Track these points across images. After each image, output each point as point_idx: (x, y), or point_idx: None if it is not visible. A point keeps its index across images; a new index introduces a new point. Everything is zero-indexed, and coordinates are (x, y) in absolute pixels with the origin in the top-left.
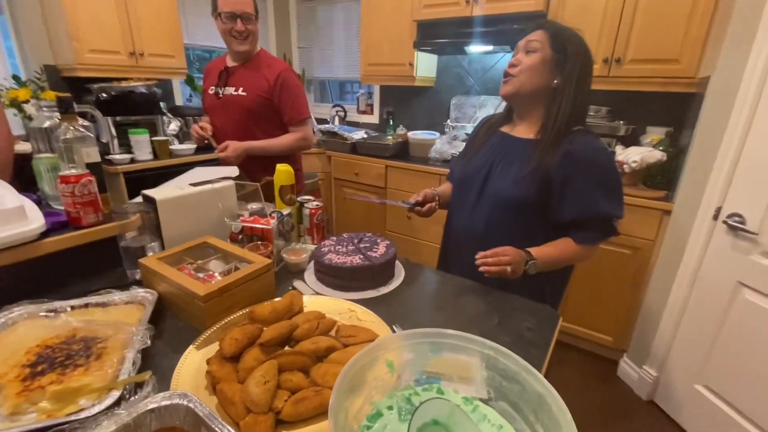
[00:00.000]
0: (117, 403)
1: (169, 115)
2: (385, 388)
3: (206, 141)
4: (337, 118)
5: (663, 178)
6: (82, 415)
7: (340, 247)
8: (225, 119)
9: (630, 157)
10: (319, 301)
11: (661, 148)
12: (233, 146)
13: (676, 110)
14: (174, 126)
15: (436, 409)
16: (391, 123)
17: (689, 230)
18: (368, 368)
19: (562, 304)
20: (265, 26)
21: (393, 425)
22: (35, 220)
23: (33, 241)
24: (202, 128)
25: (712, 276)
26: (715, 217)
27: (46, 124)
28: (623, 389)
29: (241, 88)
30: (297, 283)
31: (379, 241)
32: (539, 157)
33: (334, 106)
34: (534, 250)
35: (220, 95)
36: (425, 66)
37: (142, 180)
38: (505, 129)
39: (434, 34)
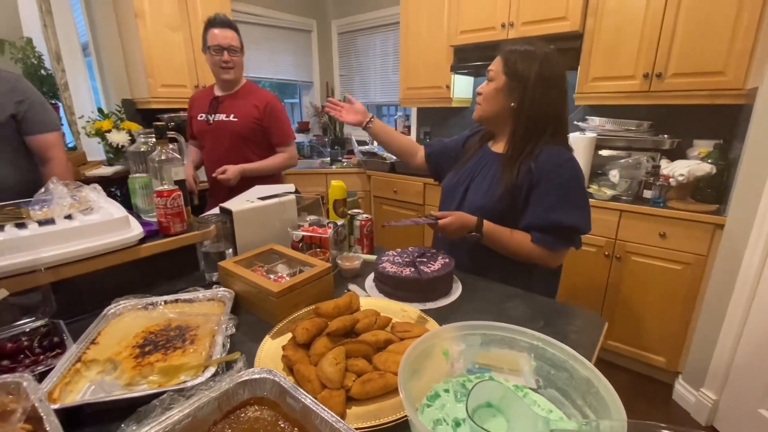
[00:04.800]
0: (213, 378)
1: None
2: (441, 374)
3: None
4: None
5: (713, 191)
6: (189, 383)
7: (399, 258)
8: (215, 142)
9: (676, 170)
10: (374, 301)
11: (709, 160)
12: (231, 169)
13: (724, 122)
14: None
15: (490, 392)
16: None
17: (745, 244)
18: (426, 355)
19: (609, 322)
20: (310, 57)
21: (450, 405)
22: (136, 228)
23: (134, 245)
24: (189, 182)
25: None
26: None
27: (142, 148)
28: (680, 413)
29: (232, 115)
30: (352, 286)
31: (439, 257)
32: (503, 170)
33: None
34: (488, 223)
35: (211, 121)
36: (462, 87)
37: (201, 198)
38: (489, 143)
39: (470, 57)
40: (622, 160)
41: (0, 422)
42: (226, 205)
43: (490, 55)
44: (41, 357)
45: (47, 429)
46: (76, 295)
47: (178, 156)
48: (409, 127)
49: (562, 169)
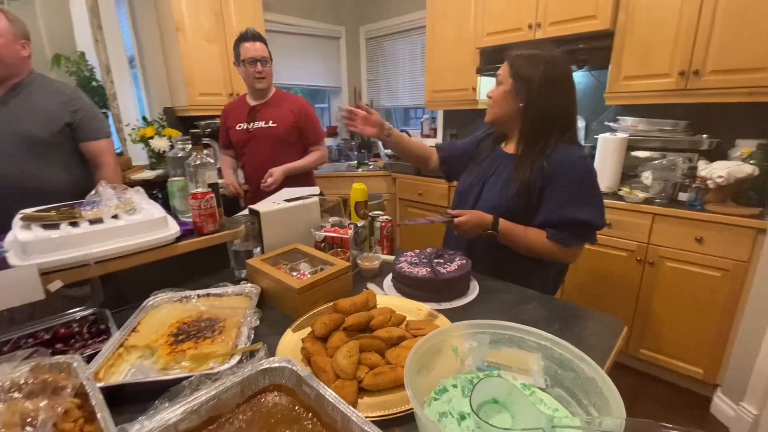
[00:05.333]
0: (237, 365)
1: None
2: (450, 370)
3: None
4: None
5: (756, 193)
6: (216, 369)
7: (416, 258)
8: (256, 148)
9: (714, 172)
10: (390, 300)
11: (752, 161)
12: (276, 173)
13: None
14: None
15: (496, 388)
16: None
17: None
18: (435, 351)
19: (642, 330)
20: (338, 63)
21: (457, 399)
22: (173, 227)
23: (171, 243)
24: (235, 187)
25: None
26: None
27: (180, 154)
28: (718, 428)
29: (270, 121)
30: (370, 285)
31: (456, 259)
32: (516, 169)
33: (400, 131)
34: (503, 221)
35: (251, 129)
36: (487, 89)
37: (234, 200)
38: (502, 145)
39: (497, 59)
40: (656, 162)
41: (53, 396)
42: (255, 206)
43: None
44: (89, 342)
45: (93, 404)
46: (120, 288)
47: (211, 161)
48: (435, 129)
49: (574, 166)
